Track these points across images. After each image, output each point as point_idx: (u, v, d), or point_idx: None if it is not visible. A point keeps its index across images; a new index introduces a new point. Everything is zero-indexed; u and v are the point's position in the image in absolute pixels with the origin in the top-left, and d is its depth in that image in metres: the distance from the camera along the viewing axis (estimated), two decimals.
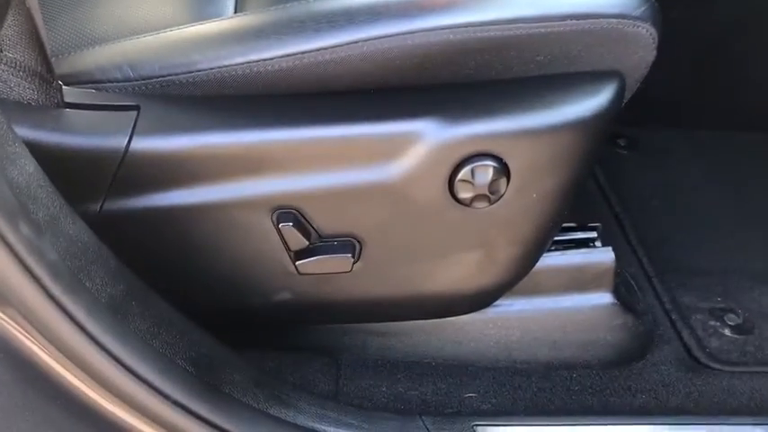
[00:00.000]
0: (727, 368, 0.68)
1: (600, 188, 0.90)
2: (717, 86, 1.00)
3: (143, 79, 0.52)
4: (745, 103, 1.00)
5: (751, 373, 0.69)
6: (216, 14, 0.62)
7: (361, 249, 0.55)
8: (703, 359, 0.69)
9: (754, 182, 0.92)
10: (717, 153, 0.97)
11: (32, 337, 0.43)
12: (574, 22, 0.52)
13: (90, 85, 0.53)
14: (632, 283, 0.73)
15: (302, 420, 0.52)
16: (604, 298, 0.64)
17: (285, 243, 0.54)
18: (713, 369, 0.68)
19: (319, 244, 0.55)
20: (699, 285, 0.77)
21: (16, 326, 0.43)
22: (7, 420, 0.47)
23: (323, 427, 0.52)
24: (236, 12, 0.62)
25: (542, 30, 0.52)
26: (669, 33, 0.56)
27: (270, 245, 0.54)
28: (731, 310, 0.75)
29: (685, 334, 0.71)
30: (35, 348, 0.44)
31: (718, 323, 0.73)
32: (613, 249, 0.67)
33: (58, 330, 0.43)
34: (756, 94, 0.99)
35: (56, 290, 0.42)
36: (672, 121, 1.01)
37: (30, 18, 0.49)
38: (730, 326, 0.73)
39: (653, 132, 0.99)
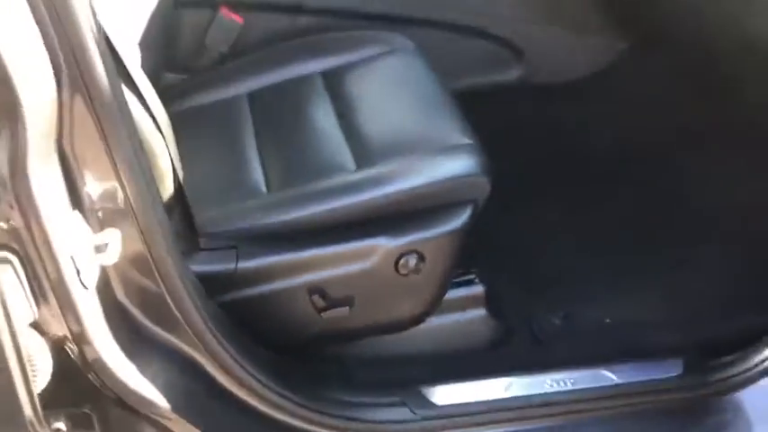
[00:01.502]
0: (555, 343, 1.24)
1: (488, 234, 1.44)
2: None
3: (237, 230, 1.03)
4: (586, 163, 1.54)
5: (569, 343, 1.24)
6: (253, 182, 1.11)
7: (354, 301, 1.08)
8: (543, 339, 1.24)
9: (600, 227, 1.45)
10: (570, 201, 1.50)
11: (208, 362, 0.94)
12: (447, 181, 1.06)
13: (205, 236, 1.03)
14: (502, 297, 1.27)
15: (336, 395, 1.04)
16: (480, 312, 1.19)
17: (314, 305, 1.06)
18: (548, 344, 1.24)
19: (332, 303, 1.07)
20: (547, 294, 1.32)
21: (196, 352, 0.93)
22: None
23: (346, 398, 1.05)
24: (267, 183, 1.12)
25: (429, 189, 1.05)
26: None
27: (307, 306, 1.06)
28: (562, 308, 1.30)
29: (534, 326, 1.26)
30: (209, 368, 0.94)
31: (554, 317, 1.29)
32: (492, 277, 1.20)
33: (224, 360, 0.94)
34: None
35: (221, 337, 0.92)
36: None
37: (185, 202, 0.99)
38: (560, 317, 1.29)
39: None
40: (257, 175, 1.13)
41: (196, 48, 1.40)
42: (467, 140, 1.12)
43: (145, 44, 1.11)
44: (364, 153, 1.12)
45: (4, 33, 0.59)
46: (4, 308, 0.65)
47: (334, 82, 1.28)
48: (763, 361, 1.08)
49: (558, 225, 1.44)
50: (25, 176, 0.64)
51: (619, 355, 1.18)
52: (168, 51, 1.36)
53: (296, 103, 1.25)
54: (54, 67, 0.65)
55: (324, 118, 1.21)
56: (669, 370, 1.13)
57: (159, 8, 1.24)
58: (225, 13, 1.40)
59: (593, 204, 1.46)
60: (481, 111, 1.22)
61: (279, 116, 1.24)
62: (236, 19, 1.39)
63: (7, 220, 0.65)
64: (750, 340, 1.11)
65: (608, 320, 1.29)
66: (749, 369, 1.09)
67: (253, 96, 1.28)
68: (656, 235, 1.41)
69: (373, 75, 1.29)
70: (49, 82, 0.65)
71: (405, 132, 1.15)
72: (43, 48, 0.64)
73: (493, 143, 1.12)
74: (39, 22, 0.63)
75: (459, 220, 1.07)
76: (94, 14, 0.70)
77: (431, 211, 1.07)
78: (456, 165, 1.08)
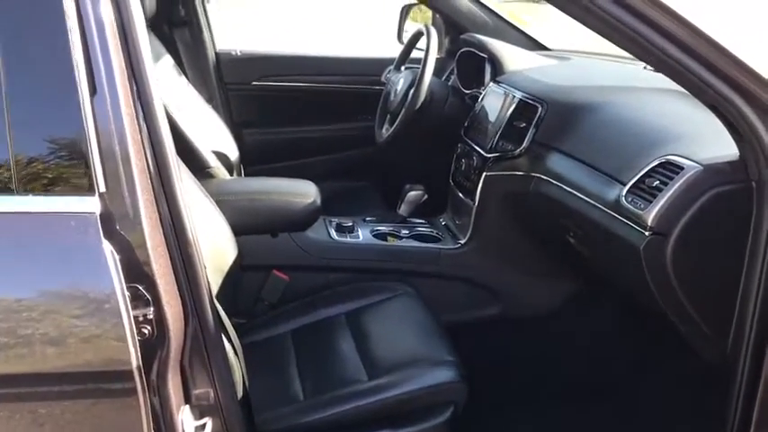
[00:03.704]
0: None
1: None
2: None
3: (283, 427, 1.44)
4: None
5: None
6: (294, 392, 1.55)
7: None
8: None
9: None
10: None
11: None
12: (433, 387, 1.48)
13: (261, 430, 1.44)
14: None
15: None
16: None
17: None
18: None
19: None
20: None
21: None
22: None
23: None
24: (303, 393, 1.55)
25: (420, 393, 1.47)
26: None
27: None
28: None
29: None
30: None
31: None
32: None
33: None
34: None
35: None
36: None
37: (249, 405, 1.42)
38: None
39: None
40: (297, 387, 1.56)
41: (254, 299, 1.92)
42: (449, 357, 1.56)
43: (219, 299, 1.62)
44: (374, 368, 1.56)
45: (166, 290, 1.08)
46: None
47: (354, 320, 1.76)
48: None
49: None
50: (165, 380, 1.09)
51: None
52: (233, 302, 1.88)
53: (326, 337, 1.73)
54: (184, 314, 1.13)
55: (346, 346, 1.67)
56: None
57: (230, 272, 1.77)
58: (276, 273, 1.93)
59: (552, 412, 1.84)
60: (467, 338, 1.67)
61: (313, 346, 1.70)
62: (284, 278, 1.92)
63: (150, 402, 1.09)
64: None
65: None
66: None
67: (295, 333, 1.76)
68: None
69: (383, 313, 1.78)
70: (181, 321, 1.13)
71: (403, 353, 1.60)
72: (178, 296, 1.12)
73: (475, 362, 1.55)
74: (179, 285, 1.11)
75: (443, 416, 1.47)
76: (207, 281, 1.19)
77: (423, 409, 1.48)
78: (440, 374, 1.51)
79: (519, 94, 1.94)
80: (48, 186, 1.00)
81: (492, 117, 2.03)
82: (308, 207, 1.85)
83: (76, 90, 0.98)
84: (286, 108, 2.77)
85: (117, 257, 0.99)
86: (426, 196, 2.14)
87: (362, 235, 2.05)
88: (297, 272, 1.95)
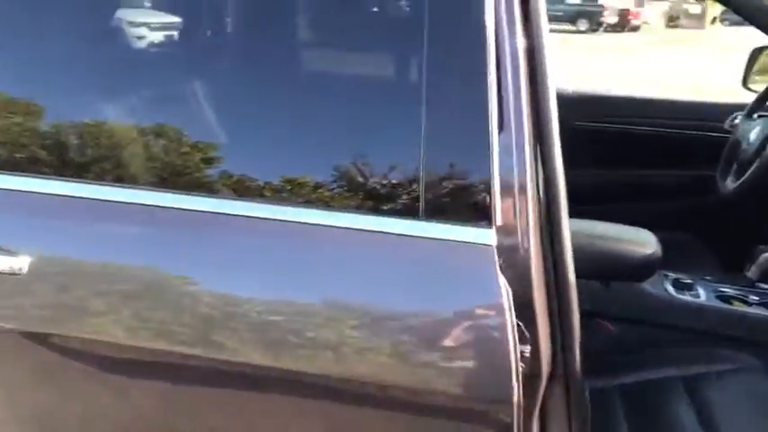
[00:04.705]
0: None
1: None
2: None
3: None
4: None
5: None
6: None
7: None
8: None
9: None
10: None
11: None
12: None
13: None
14: None
15: None
16: None
17: None
18: None
19: None
20: None
21: None
22: None
23: None
24: None
25: None
26: None
27: None
28: None
29: None
30: None
31: None
32: None
33: None
34: None
35: None
36: None
37: None
38: None
39: None
40: None
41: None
42: None
43: None
44: None
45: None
46: None
47: (693, 388, 1.59)
48: None
49: None
50: (530, 421, 1.06)
51: None
52: None
53: (660, 400, 1.58)
54: (553, 357, 1.09)
55: (685, 416, 1.52)
56: None
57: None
58: (599, 321, 1.83)
59: None
60: None
61: (646, 408, 1.57)
62: (609, 327, 1.82)
63: None
64: None
65: None
66: None
67: (622, 388, 1.64)
68: None
69: (728, 386, 1.58)
70: (550, 363, 1.08)
71: None
72: (550, 338, 1.08)
73: None
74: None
75: None
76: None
77: None
78: None
79: None
80: (449, 214, 1.03)
81: None
82: (650, 258, 1.72)
83: (486, 124, 1.00)
84: (605, 150, 2.65)
85: (510, 292, 0.98)
86: None
87: (703, 294, 1.86)
88: (623, 323, 1.83)
